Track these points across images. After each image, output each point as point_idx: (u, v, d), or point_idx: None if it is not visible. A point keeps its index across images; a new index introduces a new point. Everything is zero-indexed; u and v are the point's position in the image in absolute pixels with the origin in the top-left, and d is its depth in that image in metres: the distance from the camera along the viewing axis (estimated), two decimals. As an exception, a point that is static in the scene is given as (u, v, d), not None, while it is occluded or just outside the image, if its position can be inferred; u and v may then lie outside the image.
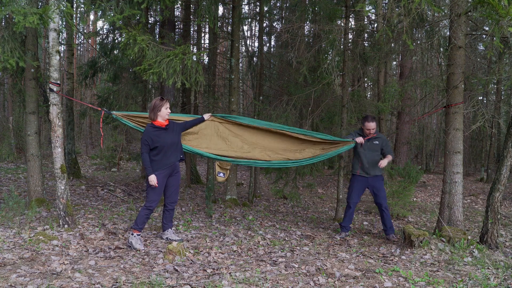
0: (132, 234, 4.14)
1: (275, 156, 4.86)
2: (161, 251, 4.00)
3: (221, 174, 4.94)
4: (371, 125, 4.73)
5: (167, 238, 4.42)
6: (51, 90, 4.36)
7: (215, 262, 3.80)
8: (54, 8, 4.18)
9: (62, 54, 11.37)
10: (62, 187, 4.48)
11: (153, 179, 4.08)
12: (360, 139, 4.81)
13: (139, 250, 4.02)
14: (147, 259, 3.77)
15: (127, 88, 8.58)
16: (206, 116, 4.75)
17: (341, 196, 6.19)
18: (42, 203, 5.47)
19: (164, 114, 4.18)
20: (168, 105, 4.21)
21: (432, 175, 14.21)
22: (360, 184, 4.96)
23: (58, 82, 4.41)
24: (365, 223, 6.17)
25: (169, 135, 4.23)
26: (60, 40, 4.99)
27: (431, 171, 15.75)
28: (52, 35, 4.36)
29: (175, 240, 4.34)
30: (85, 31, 18.63)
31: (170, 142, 4.21)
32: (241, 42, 12.01)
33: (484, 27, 6.12)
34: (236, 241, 4.57)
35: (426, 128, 17.47)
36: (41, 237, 4.07)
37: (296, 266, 3.70)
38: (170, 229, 4.48)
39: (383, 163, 4.79)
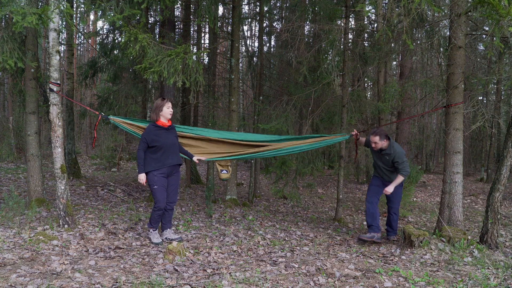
0: (149, 231, 4.38)
1: (269, 148, 4.95)
2: (161, 251, 4.00)
3: (225, 171, 4.95)
4: (373, 139, 4.60)
5: (166, 238, 4.42)
6: (51, 90, 4.36)
7: (215, 262, 3.80)
8: (53, 8, 4.18)
9: (62, 54, 11.38)
10: (62, 187, 4.48)
11: (142, 177, 4.18)
12: (355, 131, 4.89)
13: (156, 244, 4.22)
14: (147, 259, 3.77)
15: (127, 88, 8.57)
16: (195, 158, 4.68)
17: (341, 196, 6.19)
18: (42, 203, 5.47)
19: (166, 113, 4.22)
20: (169, 104, 4.25)
21: (432, 175, 14.21)
22: (377, 182, 4.83)
23: (58, 82, 4.41)
24: (365, 223, 6.16)
25: (170, 135, 4.28)
26: (60, 40, 4.99)
27: (431, 171, 15.75)
28: (52, 35, 4.36)
29: (175, 240, 4.35)
30: (85, 31, 18.63)
31: (171, 142, 4.26)
32: (241, 42, 12.00)
33: (484, 27, 6.12)
34: (236, 241, 4.57)
35: (426, 128, 17.47)
36: (41, 237, 4.07)
37: (296, 266, 3.70)
38: (169, 229, 4.48)
39: (389, 189, 4.59)
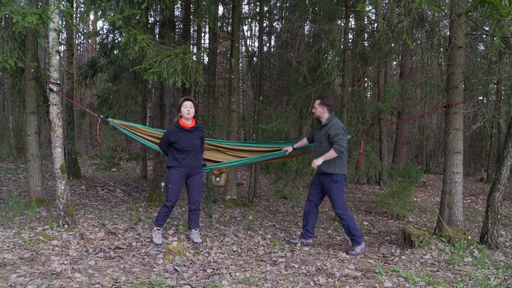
0: (154, 229, 4.39)
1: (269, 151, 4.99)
2: (161, 251, 4.00)
3: (218, 179, 4.98)
4: (315, 102, 4.25)
5: (190, 238, 4.46)
6: (51, 90, 4.36)
7: (215, 262, 3.79)
8: (53, 8, 4.17)
9: (62, 54, 11.37)
10: (62, 187, 4.48)
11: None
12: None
13: (156, 245, 4.23)
14: (147, 259, 3.77)
15: (127, 88, 8.58)
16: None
17: (341, 196, 6.18)
18: (42, 203, 5.47)
19: (184, 113, 4.17)
20: (188, 103, 4.17)
21: (432, 175, 14.21)
22: (314, 179, 4.43)
23: (58, 82, 4.40)
24: (365, 223, 6.16)
25: (191, 137, 4.23)
26: (60, 40, 4.98)
27: (431, 171, 15.75)
28: (52, 35, 4.36)
29: (196, 243, 4.37)
30: (85, 31, 18.63)
31: (191, 144, 4.23)
32: (241, 42, 12.00)
33: (484, 27, 6.12)
34: (236, 241, 4.57)
35: (426, 128, 17.48)
36: (41, 237, 4.07)
37: (296, 266, 3.70)
38: (194, 230, 4.45)
39: (316, 161, 4.09)
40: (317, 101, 4.26)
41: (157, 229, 4.36)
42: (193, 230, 4.47)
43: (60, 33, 5.75)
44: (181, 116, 4.23)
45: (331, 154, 4.05)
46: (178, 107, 4.22)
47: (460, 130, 4.66)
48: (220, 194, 8.10)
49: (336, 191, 4.20)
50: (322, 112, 4.23)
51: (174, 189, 4.24)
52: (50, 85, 4.35)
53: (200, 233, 4.84)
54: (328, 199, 4.49)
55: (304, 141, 4.68)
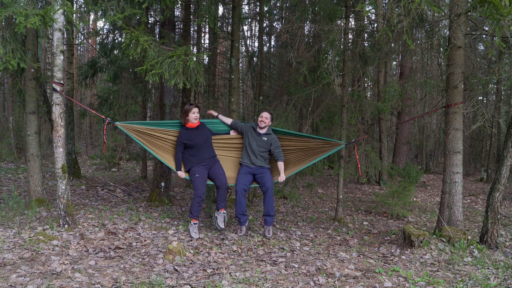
0: (190, 222, 4.71)
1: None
2: (161, 251, 4.00)
3: None
4: (265, 114, 4.85)
5: (216, 218, 4.79)
6: (54, 90, 4.36)
7: (215, 262, 3.80)
8: (57, 8, 4.18)
9: (62, 54, 11.34)
10: (63, 187, 4.48)
11: (179, 174, 4.74)
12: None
13: (193, 238, 4.53)
14: (147, 259, 3.77)
15: (127, 88, 8.57)
16: (232, 132, 5.18)
17: (341, 196, 6.19)
18: (42, 203, 5.47)
19: (191, 118, 4.71)
20: (195, 110, 4.72)
21: (432, 175, 14.21)
22: (247, 171, 4.89)
23: (62, 82, 4.41)
24: (365, 223, 6.17)
25: (201, 133, 4.78)
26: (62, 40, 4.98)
27: (431, 171, 15.75)
28: (57, 35, 4.37)
29: (219, 226, 4.76)
30: (84, 31, 18.63)
31: (203, 139, 4.76)
32: (241, 42, 12.01)
33: (484, 27, 6.12)
34: (236, 241, 4.57)
35: (426, 128, 17.48)
36: (41, 237, 4.07)
37: (296, 266, 3.70)
38: (220, 210, 4.78)
39: (282, 178, 4.80)
40: (269, 115, 4.88)
41: (194, 223, 4.67)
42: (219, 211, 4.78)
43: (64, 33, 5.73)
44: (187, 120, 4.73)
45: (283, 166, 4.89)
46: (186, 112, 4.71)
47: (460, 130, 4.66)
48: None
49: (270, 175, 4.96)
50: (269, 123, 4.91)
51: (201, 177, 4.64)
52: (54, 85, 4.36)
53: (200, 233, 4.84)
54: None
55: (228, 120, 5.16)
